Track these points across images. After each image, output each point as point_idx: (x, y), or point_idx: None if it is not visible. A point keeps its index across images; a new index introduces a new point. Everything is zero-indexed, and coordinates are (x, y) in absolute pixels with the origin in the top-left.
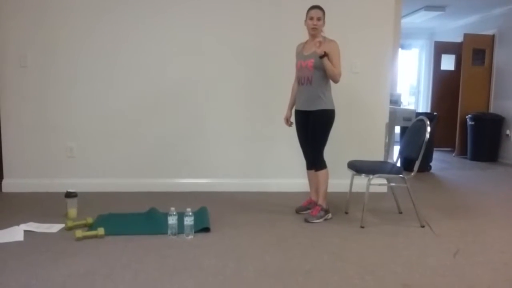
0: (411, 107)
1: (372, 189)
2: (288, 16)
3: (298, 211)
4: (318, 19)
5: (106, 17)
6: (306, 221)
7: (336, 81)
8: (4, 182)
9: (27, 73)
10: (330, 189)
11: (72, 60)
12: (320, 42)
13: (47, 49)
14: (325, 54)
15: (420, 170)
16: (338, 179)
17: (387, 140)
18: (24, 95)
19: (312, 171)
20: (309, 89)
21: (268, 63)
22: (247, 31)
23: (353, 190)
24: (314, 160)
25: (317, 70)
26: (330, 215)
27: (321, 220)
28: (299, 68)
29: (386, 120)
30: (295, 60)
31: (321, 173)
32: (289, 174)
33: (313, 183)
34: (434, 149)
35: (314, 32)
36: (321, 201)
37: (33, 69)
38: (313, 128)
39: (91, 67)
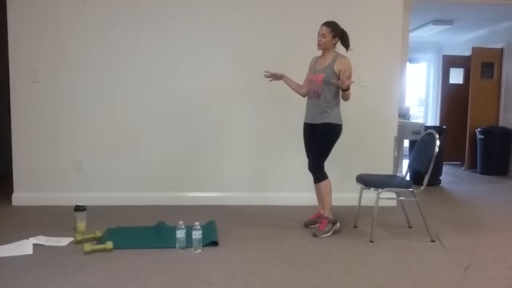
0: (420, 120)
1: (381, 203)
2: (300, 31)
3: (306, 225)
4: (323, 35)
5: (117, 32)
6: (315, 236)
7: (346, 101)
8: (14, 195)
9: (38, 88)
10: (339, 203)
11: (82, 75)
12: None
13: (57, 64)
14: (348, 88)
15: (430, 184)
16: (347, 193)
17: (396, 154)
18: (34, 109)
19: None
20: (317, 103)
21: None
22: (257, 46)
23: (362, 204)
24: (313, 170)
25: (326, 85)
26: (338, 225)
27: (329, 233)
28: (309, 82)
29: (395, 133)
30: (306, 72)
31: (322, 184)
32: (297, 188)
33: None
34: (444, 162)
35: (318, 48)
36: (326, 213)
37: (44, 84)
38: (316, 139)
39: (101, 82)
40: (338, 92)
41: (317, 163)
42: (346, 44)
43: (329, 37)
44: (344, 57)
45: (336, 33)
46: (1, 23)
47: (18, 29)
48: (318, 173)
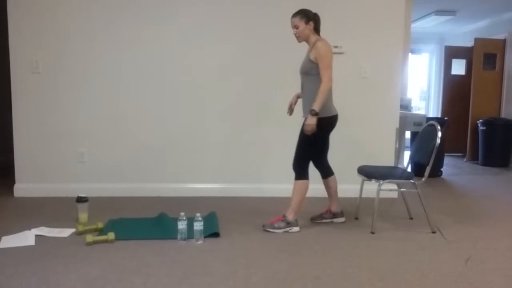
0: (422, 112)
1: (383, 194)
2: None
3: (313, 219)
4: (295, 27)
5: (118, 24)
6: (263, 227)
7: (326, 91)
8: (16, 186)
9: (38, 79)
10: (340, 194)
11: (83, 66)
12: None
13: (58, 56)
14: (316, 113)
15: (431, 175)
16: (348, 185)
17: (397, 145)
18: (36, 101)
19: (325, 180)
20: (302, 95)
21: (273, 66)
22: (248, 33)
23: (363, 195)
24: (293, 166)
25: (305, 75)
26: (296, 229)
27: (279, 231)
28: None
29: (397, 125)
30: (296, 63)
31: (296, 183)
32: None
33: (328, 190)
34: (445, 154)
35: (298, 41)
36: (287, 213)
37: (44, 76)
38: (299, 134)
39: (101, 73)
40: (320, 81)
41: (296, 158)
42: (317, 28)
43: (302, 25)
44: (319, 40)
45: (308, 18)
46: (1, 14)
47: (19, 21)
48: (296, 169)
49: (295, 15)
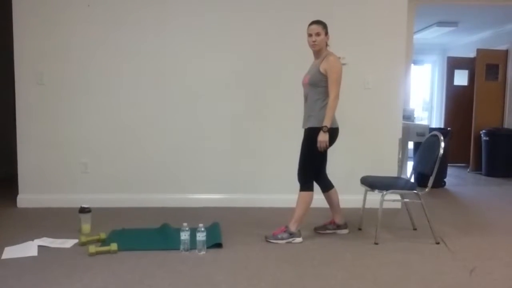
0: (424, 122)
1: (386, 205)
2: (303, 33)
3: (316, 229)
4: (317, 34)
5: (121, 35)
6: (266, 238)
7: (334, 106)
8: (19, 197)
9: (43, 90)
10: (343, 205)
11: (87, 78)
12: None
13: (62, 67)
14: (328, 129)
15: (434, 186)
16: (351, 195)
17: (400, 156)
18: (39, 112)
19: (326, 193)
20: (305, 106)
21: (274, 76)
22: (249, 44)
23: (367, 206)
24: (298, 178)
25: (312, 86)
26: (298, 240)
27: (282, 241)
28: (302, 85)
29: (399, 135)
30: (298, 73)
31: (301, 194)
32: None
33: (330, 202)
34: (448, 164)
35: (315, 48)
36: (291, 224)
37: (48, 87)
38: (302, 145)
39: (104, 85)
40: (326, 94)
41: (301, 170)
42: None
43: (323, 34)
44: (331, 54)
45: (327, 30)
46: (6, 26)
47: (23, 33)
48: (301, 181)
49: (318, 23)
